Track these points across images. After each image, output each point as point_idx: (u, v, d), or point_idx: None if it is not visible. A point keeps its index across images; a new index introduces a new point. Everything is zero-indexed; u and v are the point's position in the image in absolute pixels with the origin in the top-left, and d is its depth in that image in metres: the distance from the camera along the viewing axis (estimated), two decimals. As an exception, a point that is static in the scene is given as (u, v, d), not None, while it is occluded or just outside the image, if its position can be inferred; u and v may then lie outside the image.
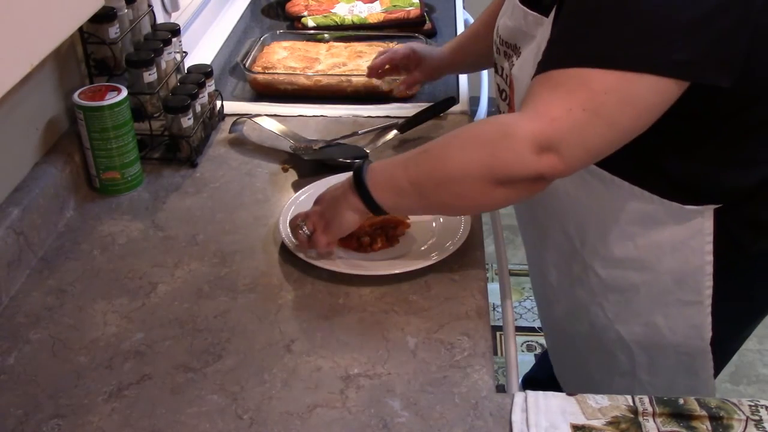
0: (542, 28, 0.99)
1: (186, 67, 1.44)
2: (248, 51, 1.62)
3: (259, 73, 1.56)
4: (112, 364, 0.92)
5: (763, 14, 0.86)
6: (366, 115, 1.48)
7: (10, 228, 1.03)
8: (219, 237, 1.14)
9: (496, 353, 1.46)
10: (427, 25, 1.86)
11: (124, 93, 1.19)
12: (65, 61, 1.25)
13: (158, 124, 1.32)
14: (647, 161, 0.99)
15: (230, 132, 1.40)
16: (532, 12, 1.03)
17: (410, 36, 1.73)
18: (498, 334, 1.94)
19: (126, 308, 1.01)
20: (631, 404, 0.85)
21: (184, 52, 1.46)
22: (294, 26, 1.87)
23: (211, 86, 1.40)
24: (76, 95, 1.18)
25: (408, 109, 1.47)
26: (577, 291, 1.16)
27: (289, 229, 1.09)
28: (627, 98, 0.86)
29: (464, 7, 2.02)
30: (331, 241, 1.05)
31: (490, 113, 1.69)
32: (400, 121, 1.41)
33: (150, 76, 1.28)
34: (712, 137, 0.98)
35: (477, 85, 1.71)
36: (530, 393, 0.87)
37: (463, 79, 1.61)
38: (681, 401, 0.86)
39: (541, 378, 1.57)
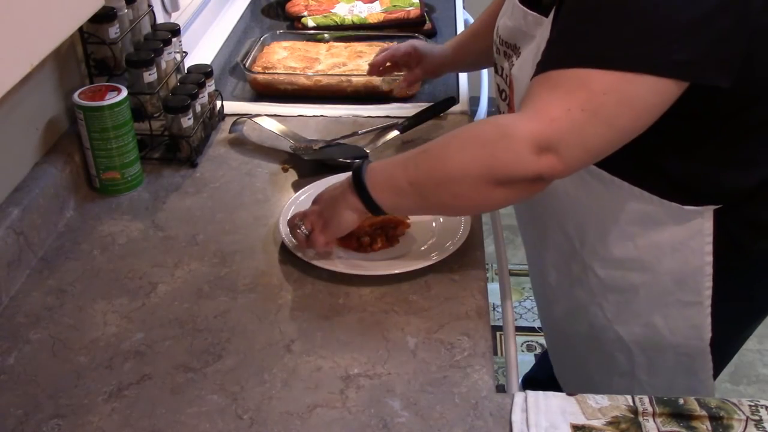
0: (542, 29, 0.99)
1: (186, 67, 1.44)
2: (248, 51, 1.62)
3: (259, 73, 1.56)
4: (112, 364, 0.92)
5: (762, 14, 0.86)
6: (366, 115, 1.48)
7: (10, 228, 1.03)
8: (219, 237, 1.14)
9: (496, 353, 1.46)
10: (427, 25, 1.86)
11: (124, 93, 1.19)
12: (65, 61, 1.25)
13: (158, 124, 1.32)
14: (647, 161, 0.99)
15: (230, 132, 1.40)
16: (531, 12, 1.03)
17: (410, 36, 1.73)
18: (498, 334, 1.94)
19: (126, 308, 1.01)
20: (631, 404, 0.85)
21: (184, 52, 1.46)
22: (294, 26, 1.87)
23: (211, 86, 1.40)
24: (76, 95, 1.18)
25: (408, 109, 1.47)
26: (576, 291, 1.16)
27: (288, 229, 1.09)
28: (626, 98, 0.86)
29: (464, 7, 2.03)
30: (329, 241, 1.05)
31: (490, 113, 1.68)
32: (400, 121, 1.41)
33: (150, 76, 1.28)
34: (712, 137, 0.98)
35: (477, 85, 1.71)
36: (530, 393, 0.87)
37: (463, 79, 1.62)
38: (681, 401, 0.86)
39: (541, 378, 1.57)
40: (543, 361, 1.60)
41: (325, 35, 1.77)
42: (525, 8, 1.04)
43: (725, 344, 1.14)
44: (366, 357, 0.93)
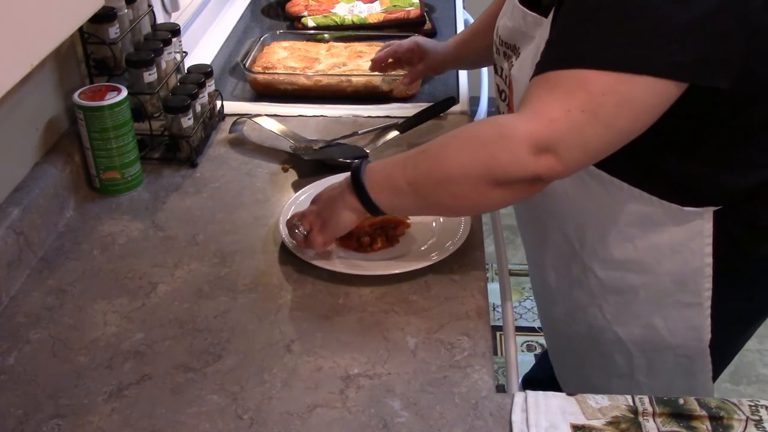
0: (541, 29, 0.99)
1: (186, 67, 1.44)
2: (248, 51, 1.62)
3: (259, 73, 1.56)
4: (112, 364, 0.92)
5: (762, 15, 0.86)
6: (366, 115, 1.48)
7: (10, 228, 1.03)
8: (219, 237, 1.14)
9: (496, 353, 1.46)
10: (427, 25, 1.86)
11: (124, 93, 1.19)
12: (65, 61, 1.25)
13: (158, 124, 1.32)
14: (646, 162, 0.99)
15: (230, 132, 1.40)
16: (531, 12, 1.03)
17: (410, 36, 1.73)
18: (498, 334, 1.94)
19: (126, 308, 1.01)
20: (631, 404, 0.85)
21: (184, 52, 1.46)
22: (294, 26, 1.87)
23: (211, 86, 1.40)
24: (76, 95, 1.18)
25: (408, 109, 1.47)
26: (576, 292, 1.16)
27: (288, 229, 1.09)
28: (625, 99, 0.85)
29: (464, 7, 2.03)
30: (327, 241, 1.05)
31: (490, 113, 1.68)
32: (400, 121, 1.41)
33: (150, 76, 1.28)
34: (712, 139, 0.97)
35: (477, 85, 1.71)
36: (530, 393, 0.87)
37: (463, 79, 1.62)
38: (681, 401, 0.86)
39: (541, 378, 1.57)
40: (543, 361, 1.60)
41: (325, 35, 1.77)
42: (525, 9, 1.04)
43: (725, 346, 1.14)
44: (366, 357, 0.93)
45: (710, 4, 0.82)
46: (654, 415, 0.84)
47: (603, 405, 0.85)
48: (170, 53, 1.37)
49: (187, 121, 1.29)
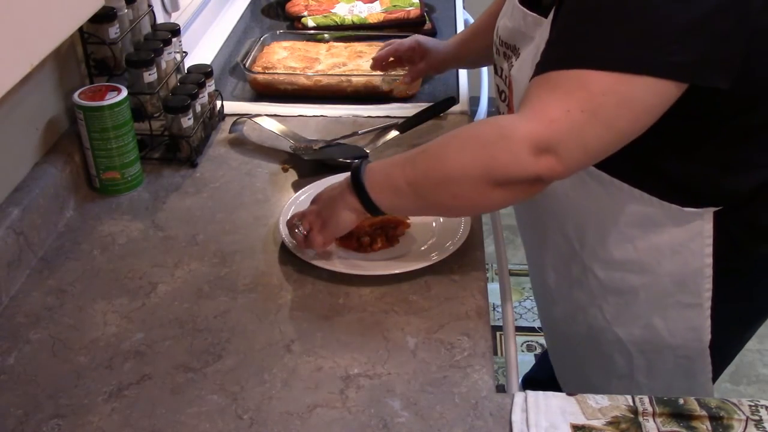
0: (541, 29, 0.98)
1: (186, 67, 1.44)
2: (248, 51, 1.62)
3: (259, 73, 1.56)
4: (112, 364, 0.92)
5: (761, 15, 0.86)
6: (366, 115, 1.48)
7: (10, 228, 1.03)
8: (219, 237, 1.14)
9: (496, 353, 1.46)
10: (427, 25, 1.86)
11: (124, 93, 1.19)
12: (65, 61, 1.25)
13: (158, 124, 1.32)
14: (646, 163, 0.99)
15: (230, 132, 1.40)
16: (531, 13, 1.03)
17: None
18: (498, 334, 1.94)
19: (126, 308, 1.01)
20: (631, 404, 0.85)
21: (184, 52, 1.46)
22: (294, 26, 1.87)
23: (211, 86, 1.40)
24: (76, 95, 1.18)
25: (408, 109, 1.47)
26: (575, 293, 1.16)
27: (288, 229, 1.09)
28: (625, 100, 0.85)
29: (464, 7, 2.03)
30: (327, 241, 1.04)
31: (490, 113, 1.68)
32: (400, 121, 1.41)
33: (150, 76, 1.28)
34: (712, 139, 0.97)
35: (477, 85, 1.71)
36: (530, 393, 0.87)
37: (463, 79, 1.62)
38: (681, 401, 0.86)
39: (541, 378, 1.57)
40: (543, 361, 1.60)
41: (325, 35, 1.77)
42: (525, 9, 1.04)
43: (725, 346, 1.14)
44: (366, 357, 0.93)
45: (710, 4, 0.82)
46: (654, 415, 0.84)
47: (603, 405, 0.85)
48: (170, 53, 1.37)
49: (187, 121, 1.29)
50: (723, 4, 0.83)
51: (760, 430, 0.82)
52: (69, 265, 1.09)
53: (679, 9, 0.83)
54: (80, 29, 1.22)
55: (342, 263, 1.07)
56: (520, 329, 2.34)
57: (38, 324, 0.98)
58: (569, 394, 0.87)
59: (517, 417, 0.84)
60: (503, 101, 1.14)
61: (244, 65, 1.56)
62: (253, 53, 1.62)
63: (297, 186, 1.26)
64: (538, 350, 2.29)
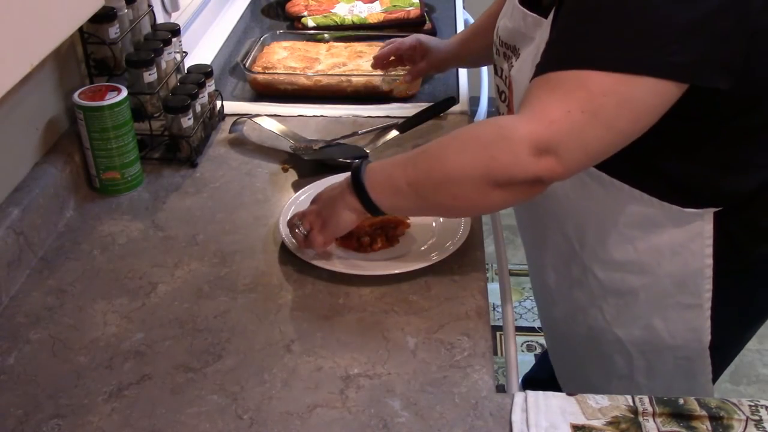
0: (541, 30, 0.98)
1: (186, 67, 1.44)
2: (248, 51, 1.62)
3: (259, 73, 1.56)
4: (112, 364, 0.92)
5: (762, 15, 0.86)
6: (366, 115, 1.48)
7: (10, 228, 1.03)
8: (219, 237, 1.14)
9: (496, 353, 1.46)
10: (427, 25, 1.86)
11: (124, 93, 1.19)
12: (65, 61, 1.25)
13: (158, 124, 1.32)
14: (647, 164, 0.99)
15: (230, 132, 1.40)
16: (531, 13, 1.03)
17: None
18: (498, 334, 1.94)
19: (126, 308, 1.01)
20: (631, 404, 0.85)
21: (184, 52, 1.46)
22: (294, 26, 1.87)
23: (211, 86, 1.40)
24: (76, 95, 1.18)
25: (408, 109, 1.47)
26: (575, 293, 1.16)
27: (288, 229, 1.09)
28: (626, 100, 0.85)
29: (464, 7, 2.03)
30: (327, 241, 1.04)
31: (489, 113, 1.68)
32: (400, 121, 1.41)
33: (150, 76, 1.28)
34: (712, 140, 0.97)
35: (477, 85, 1.72)
36: (530, 393, 0.87)
37: (463, 79, 1.62)
38: (681, 401, 0.86)
39: (541, 378, 1.57)
40: (543, 361, 1.60)
41: (325, 35, 1.77)
42: (525, 9, 1.04)
43: (725, 347, 1.14)
44: (366, 357, 0.93)
45: (710, 5, 0.82)
46: (654, 415, 0.84)
47: (603, 405, 0.85)
48: (170, 53, 1.37)
49: (187, 121, 1.29)
50: (723, 5, 0.82)
51: (760, 430, 0.82)
52: (69, 265, 1.09)
53: (680, 9, 0.83)
54: (80, 29, 1.22)
55: (342, 263, 1.07)
56: (520, 329, 2.34)
57: (38, 324, 0.98)
58: (569, 394, 0.87)
59: (517, 417, 0.84)
60: (503, 102, 1.14)
61: (244, 65, 1.56)
62: (253, 53, 1.62)
63: (297, 186, 1.26)
64: (538, 350, 2.29)
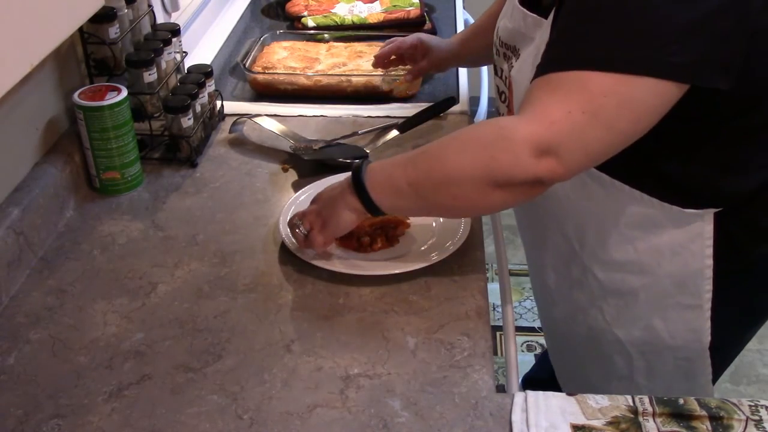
0: (541, 30, 0.98)
1: (186, 67, 1.44)
2: (248, 51, 1.62)
3: (259, 73, 1.56)
4: (112, 364, 0.92)
5: (762, 15, 0.86)
6: (366, 115, 1.48)
7: (10, 228, 1.03)
8: (219, 237, 1.14)
9: (496, 353, 1.46)
10: (427, 25, 1.86)
11: (124, 93, 1.19)
12: (65, 61, 1.25)
13: (158, 124, 1.32)
14: (647, 164, 0.99)
15: (230, 132, 1.40)
16: (531, 14, 1.02)
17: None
18: (498, 334, 1.94)
19: (126, 308, 1.01)
20: (631, 404, 0.85)
21: (184, 52, 1.46)
22: (294, 26, 1.87)
23: (211, 86, 1.40)
24: (76, 95, 1.18)
25: (408, 109, 1.47)
26: (575, 294, 1.15)
27: (288, 229, 1.09)
28: (626, 101, 0.85)
29: (464, 7, 2.03)
30: (327, 241, 1.04)
31: (489, 113, 1.69)
32: (400, 121, 1.41)
33: (150, 76, 1.28)
34: (712, 140, 0.97)
35: (477, 85, 1.72)
36: (530, 393, 0.87)
37: (463, 79, 1.62)
38: (681, 401, 0.86)
39: (541, 378, 1.57)
40: (543, 361, 1.60)
41: (325, 35, 1.77)
42: (525, 10, 1.04)
43: (725, 348, 1.14)
44: (366, 357, 0.93)
45: (711, 5, 0.82)
46: (654, 415, 0.84)
47: (603, 405, 0.85)
48: (170, 53, 1.37)
49: (187, 121, 1.29)
50: (723, 5, 0.82)
51: (760, 430, 0.82)
52: (69, 265, 1.09)
53: (680, 9, 0.82)
54: (80, 29, 1.22)
55: (342, 263, 1.07)
56: (520, 329, 2.34)
57: (38, 324, 0.98)
58: (569, 394, 0.87)
59: (517, 417, 0.84)
60: (503, 102, 1.14)
61: (244, 65, 1.56)
62: (253, 53, 1.62)
63: (297, 186, 1.26)
64: (538, 350, 2.29)
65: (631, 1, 0.84)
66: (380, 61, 1.48)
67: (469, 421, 0.85)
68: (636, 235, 1.04)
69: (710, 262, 1.03)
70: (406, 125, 1.39)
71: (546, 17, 0.98)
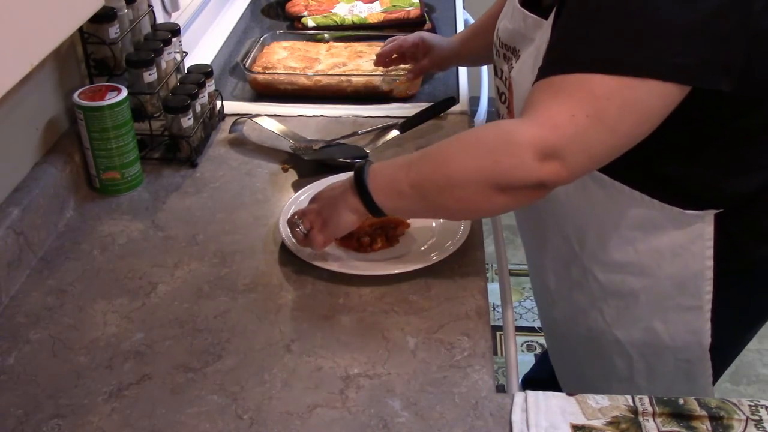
0: (541, 31, 0.98)
1: (186, 67, 1.44)
2: (248, 51, 1.62)
3: (259, 73, 1.56)
4: (112, 364, 0.92)
5: (763, 17, 0.85)
6: (366, 115, 1.48)
7: (10, 228, 1.03)
8: (219, 237, 1.14)
9: (496, 353, 1.46)
10: (427, 25, 1.86)
11: (124, 93, 1.19)
12: (65, 61, 1.25)
13: (158, 124, 1.32)
14: (648, 166, 0.98)
15: (230, 132, 1.40)
16: (531, 14, 1.02)
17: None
18: (498, 334, 1.94)
19: (126, 308, 1.01)
20: (631, 404, 0.85)
21: (184, 52, 1.46)
22: (294, 26, 1.87)
23: (211, 86, 1.40)
24: (76, 95, 1.18)
25: (408, 109, 1.47)
26: (576, 295, 1.15)
27: (288, 229, 1.09)
28: (629, 103, 0.85)
29: (464, 7, 2.03)
30: (327, 241, 1.04)
31: (489, 113, 1.69)
32: (400, 121, 1.41)
33: (150, 76, 1.28)
34: (713, 141, 0.97)
35: (477, 85, 1.72)
36: (530, 393, 0.87)
37: (463, 79, 1.62)
38: (681, 401, 0.86)
39: (541, 378, 1.57)
40: (543, 361, 1.60)
41: (325, 35, 1.77)
42: (525, 11, 1.04)
43: (725, 349, 1.13)
44: (366, 357, 0.93)
45: (712, 6, 0.82)
46: (654, 415, 0.84)
47: (603, 405, 0.85)
48: (170, 53, 1.37)
49: (187, 121, 1.29)
50: (724, 6, 0.82)
51: (760, 430, 0.82)
52: (69, 265, 1.09)
53: (681, 11, 0.82)
54: (80, 29, 1.22)
55: (342, 263, 1.07)
56: (520, 329, 2.34)
57: (38, 324, 0.98)
58: (569, 394, 0.87)
59: (517, 417, 0.84)
60: (503, 103, 1.14)
61: (244, 65, 1.56)
62: (253, 53, 1.62)
63: (297, 186, 1.26)
64: (538, 350, 2.29)
65: (632, 3, 0.84)
66: (382, 60, 1.48)
67: (469, 421, 0.85)
68: (636, 237, 1.04)
69: (711, 263, 1.03)
70: (406, 125, 1.39)
71: (546, 18, 0.98)
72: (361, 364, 0.92)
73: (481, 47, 1.34)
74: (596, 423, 0.83)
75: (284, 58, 1.62)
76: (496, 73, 1.16)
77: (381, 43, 1.70)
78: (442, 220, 1.15)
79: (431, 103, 1.45)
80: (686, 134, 0.95)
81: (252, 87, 1.57)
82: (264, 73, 1.56)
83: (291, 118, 1.46)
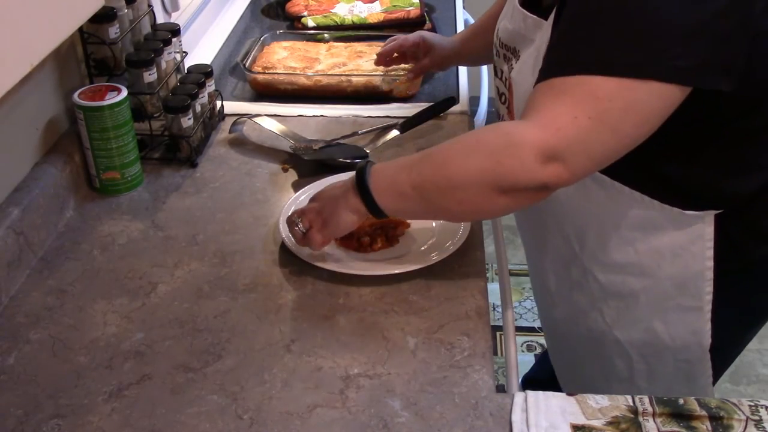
0: (541, 32, 0.98)
1: (186, 67, 1.44)
2: (248, 51, 1.62)
3: (259, 73, 1.56)
4: (112, 364, 0.92)
5: (763, 17, 0.85)
6: (366, 115, 1.48)
7: (10, 228, 1.03)
8: (219, 237, 1.14)
9: (496, 353, 1.46)
10: (427, 25, 1.86)
11: (124, 93, 1.19)
12: (65, 61, 1.25)
13: (158, 124, 1.32)
14: (648, 166, 0.98)
15: (230, 132, 1.40)
16: (531, 15, 1.02)
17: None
18: (498, 334, 1.94)
19: (126, 308, 1.01)
20: (631, 404, 0.85)
21: (184, 52, 1.46)
22: (294, 26, 1.87)
23: (211, 86, 1.40)
24: (76, 95, 1.18)
25: (408, 109, 1.47)
26: (576, 296, 1.15)
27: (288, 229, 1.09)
28: (631, 105, 0.85)
29: (464, 7, 2.03)
30: (326, 240, 1.04)
31: (489, 113, 1.69)
32: (400, 121, 1.41)
33: (150, 76, 1.28)
34: (714, 142, 0.97)
35: (477, 86, 1.72)
36: (530, 393, 0.87)
37: (463, 79, 1.62)
38: (681, 401, 0.86)
39: (541, 378, 1.57)
40: (543, 361, 1.60)
41: (325, 35, 1.77)
42: (525, 11, 1.04)
43: (725, 349, 1.13)
44: (366, 357, 0.93)
45: (712, 7, 0.82)
46: (654, 415, 0.84)
47: (603, 405, 0.85)
48: (170, 53, 1.37)
49: (187, 121, 1.29)
50: (725, 7, 0.82)
51: (760, 430, 0.82)
52: (69, 265, 1.09)
53: (681, 12, 0.82)
54: (80, 29, 1.22)
55: (342, 263, 1.07)
56: (520, 329, 2.34)
57: (38, 324, 0.98)
58: (569, 394, 0.87)
59: (517, 417, 0.84)
60: (503, 103, 1.14)
61: (244, 65, 1.56)
62: (253, 53, 1.62)
63: (297, 186, 1.26)
64: (538, 350, 2.29)
65: (632, 4, 0.84)
66: (382, 59, 1.48)
67: (469, 421, 0.85)
68: (636, 237, 1.04)
69: (711, 263, 1.03)
70: (406, 125, 1.39)
71: (546, 18, 0.97)
72: (361, 364, 0.92)
73: (481, 47, 1.34)
74: (596, 423, 0.83)
75: (284, 58, 1.62)
76: (496, 74, 1.16)
77: (381, 43, 1.69)
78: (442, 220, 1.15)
79: (431, 103, 1.45)
80: (686, 135, 0.95)
81: (252, 87, 1.57)
82: (264, 73, 1.56)
83: (291, 118, 1.46)
